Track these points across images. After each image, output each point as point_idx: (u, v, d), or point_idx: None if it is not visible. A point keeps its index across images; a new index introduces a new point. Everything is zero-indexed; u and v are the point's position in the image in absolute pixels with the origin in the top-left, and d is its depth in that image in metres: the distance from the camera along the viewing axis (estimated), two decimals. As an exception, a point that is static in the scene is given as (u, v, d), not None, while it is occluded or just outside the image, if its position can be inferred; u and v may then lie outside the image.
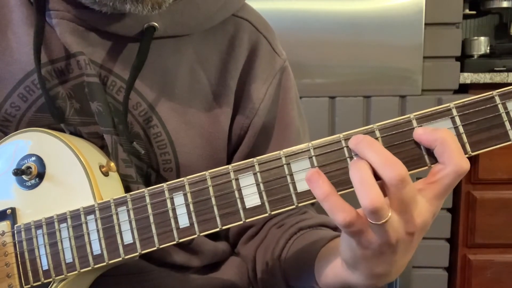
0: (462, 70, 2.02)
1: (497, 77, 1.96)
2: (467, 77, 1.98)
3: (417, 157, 0.56)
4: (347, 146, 0.58)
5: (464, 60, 2.09)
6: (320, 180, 0.56)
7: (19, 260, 0.69)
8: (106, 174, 0.72)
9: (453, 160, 0.54)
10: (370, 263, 0.59)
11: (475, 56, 2.16)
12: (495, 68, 2.03)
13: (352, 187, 0.57)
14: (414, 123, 0.56)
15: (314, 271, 0.72)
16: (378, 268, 0.59)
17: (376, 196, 0.52)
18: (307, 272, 0.74)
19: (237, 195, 0.60)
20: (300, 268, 0.77)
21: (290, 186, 0.59)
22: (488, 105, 0.56)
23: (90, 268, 0.66)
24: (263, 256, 0.86)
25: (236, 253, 1.02)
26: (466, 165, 0.54)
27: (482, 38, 2.18)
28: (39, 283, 0.68)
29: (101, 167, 0.72)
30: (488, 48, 2.18)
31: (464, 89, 2.01)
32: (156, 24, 0.76)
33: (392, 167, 0.53)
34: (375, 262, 0.58)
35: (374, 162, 0.54)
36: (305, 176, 0.57)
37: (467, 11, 2.28)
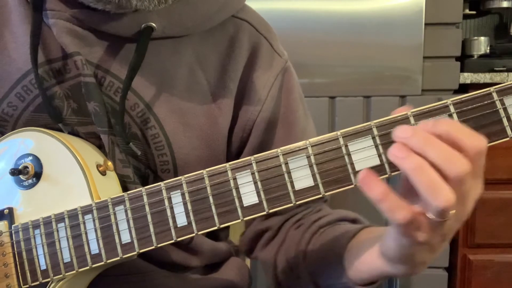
0: (462, 70, 2.02)
1: (497, 77, 1.95)
2: (467, 77, 1.98)
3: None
4: (345, 144, 0.58)
5: (464, 60, 2.09)
6: (378, 180, 0.54)
7: (17, 260, 0.69)
8: (103, 173, 0.72)
9: (468, 145, 0.52)
10: (420, 256, 0.58)
11: (475, 56, 2.16)
12: (495, 68, 2.02)
13: (349, 185, 0.57)
14: (412, 120, 0.56)
15: (345, 266, 0.70)
16: (426, 257, 0.59)
17: (452, 196, 0.51)
18: (335, 268, 0.72)
19: (234, 194, 0.60)
20: (328, 265, 0.75)
21: (288, 184, 0.59)
22: (486, 102, 0.56)
23: (88, 267, 0.66)
24: (285, 259, 0.84)
25: (237, 255, 1.02)
26: (481, 143, 0.53)
27: (482, 38, 2.18)
28: (37, 283, 0.68)
29: (98, 166, 0.72)
30: (488, 48, 2.17)
31: (464, 89, 2.01)
32: (153, 24, 0.76)
33: (457, 164, 0.51)
34: (426, 254, 0.58)
35: (435, 159, 0.52)
36: (359, 177, 0.55)
37: (467, 11, 2.27)
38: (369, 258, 0.65)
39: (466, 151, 0.52)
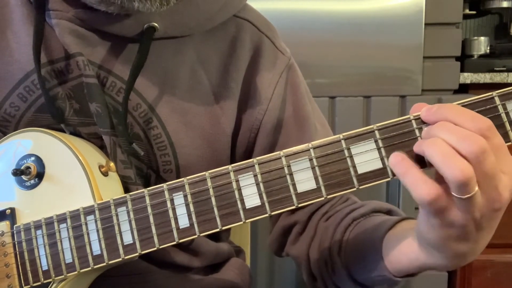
0: (462, 70, 2.02)
1: (497, 77, 1.95)
2: (467, 77, 1.98)
3: (418, 158, 0.56)
4: (348, 147, 0.58)
5: (464, 60, 2.09)
6: (404, 158, 0.55)
7: (18, 260, 0.69)
8: (105, 174, 0.72)
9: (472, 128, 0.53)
10: (455, 243, 0.56)
11: (475, 56, 2.15)
12: (495, 68, 2.02)
13: (351, 188, 0.57)
14: (414, 123, 0.57)
15: (383, 257, 0.68)
16: (463, 247, 0.57)
17: (467, 166, 0.51)
18: (373, 260, 0.70)
19: (237, 196, 0.61)
20: (365, 257, 0.73)
21: (290, 187, 0.59)
22: (488, 106, 0.56)
23: (89, 268, 0.66)
24: (319, 254, 0.82)
25: (238, 255, 1.02)
26: (484, 124, 0.53)
27: (482, 38, 2.17)
28: (39, 283, 0.68)
29: (100, 167, 0.72)
30: (488, 48, 2.17)
31: (464, 89, 2.01)
32: (156, 24, 0.76)
33: (470, 141, 0.51)
34: (460, 241, 0.56)
35: (449, 140, 0.52)
36: (389, 160, 0.56)
37: (467, 11, 2.27)
38: (408, 248, 0.64)
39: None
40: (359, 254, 0.75)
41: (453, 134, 0.53)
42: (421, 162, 0.56)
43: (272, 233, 0.91)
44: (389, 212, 0.81)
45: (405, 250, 0.64)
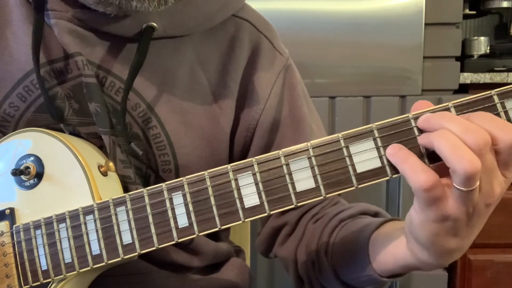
0: (462, 70, 2.02)
1: (497, 77, 1.95)
2: (467, 77, 1.98)
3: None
4: (347, 146, 0.58)
5: (464, 60, 2.09)
6: (402, 149, 0.55)
7: (18, 260, 0.69)
8: (105, 174, 0.72)
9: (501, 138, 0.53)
10: (444, 238, 0.56)
11: (475, 56, 2.15)
12: (495, 68, 2.02)
13: (350, 187, 0.57)
14: (413, 122, 0.56)
15: (369, 258, 0.69)
16: (451, 243, 0.57)
17: (476, 159, 0.51)
18: (359, 261, 0.71)
19: (236, 195, 0.60)
20: (351, 258, 0.73)
21: (289, 186, 0.59)
22: (487, 104, 0.56)
23: (89, 268, 0.66)
24: (306, 255, 0.82)
25: (237, 255, 1.02)
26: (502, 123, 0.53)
27: (482, 38, 2.18)
28: (38, 283, 0.68)
29: (99, 167, 0.72)
30: (488, 48, 2.17)
31: (464, 89, 2.01)
32: (155, 24, 0.76)
33: (475, 133, 0.51)
34: (450, 237, 0.56)
35: (455, 131, 0.52)
36: (386, 152, 0.56)
37: (467, 11, 2.27)
38: (395, 248, 0.64)
39: (499, 145, 0.53)
40: (345, 254, 0.75)
41: (459, 126, 0.52)
42: None
43: (261, 233, 0.91)
44: (376, 215, 0.81)
45: (391, 250, 0.65)
